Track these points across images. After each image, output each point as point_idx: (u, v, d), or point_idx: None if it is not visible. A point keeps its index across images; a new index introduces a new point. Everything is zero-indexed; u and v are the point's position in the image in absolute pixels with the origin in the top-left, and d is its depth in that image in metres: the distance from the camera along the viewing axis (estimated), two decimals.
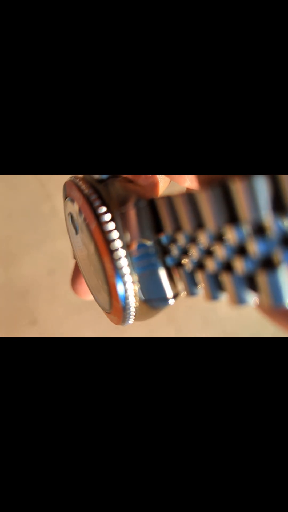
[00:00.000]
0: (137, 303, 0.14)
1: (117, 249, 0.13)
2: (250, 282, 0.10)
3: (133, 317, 0.15)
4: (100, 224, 0.13)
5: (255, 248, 0.10)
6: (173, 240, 0.13)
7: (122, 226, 0.13)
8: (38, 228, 0.80)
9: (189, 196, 0.11)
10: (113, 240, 0.13)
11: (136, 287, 0.14)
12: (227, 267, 0.10)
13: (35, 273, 0.79)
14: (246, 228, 0.10)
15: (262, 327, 0.67)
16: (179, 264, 0.13)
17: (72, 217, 0.18)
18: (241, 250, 0.10)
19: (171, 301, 0.14)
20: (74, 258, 0.22)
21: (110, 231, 0.13)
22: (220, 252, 0.10)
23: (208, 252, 0.11)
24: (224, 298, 0.11)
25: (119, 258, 0.13)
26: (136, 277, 0.14)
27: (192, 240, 0.12)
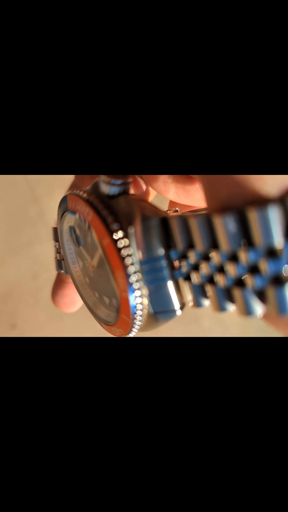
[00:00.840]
0: (145, 316, 0.15)
1: (131, 264, 0.14)
2: (260, 296, 0.11)
3: (138, 330, 0.16)
4: (114, 240, 0.14)
5: (266, 267, 0.11)
6: (183, 256, 0.13)
7: (135, 242, 0.14)
8: (24, 231, 0.80)
9: (205, 218, 0.12)
10: (128, 256, 0.14)
11: (146, 301, 0.14)
12: (239, 282, 0.12)
13: (18, 276, 0.78)
14: (259, 251, 0.11)
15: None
16: (187, 278, 0.14)
17: (74, 231, 0.18)
18: (253, 269, 0.11)
19: (178, 312, 0.14)
20: (58, 270, 0.22)
21: (124, 247, 0.14)
22: (233, 270, 0.11)
23: (220, 269, 0.12)
24: (232, 309, 0.12)
25: (133, 273, 0.14)
26: (146, 291, 0.14)
27: (204, 257, 0.12)
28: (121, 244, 0.14)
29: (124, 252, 0.14)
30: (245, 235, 0.11)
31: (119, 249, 0.14)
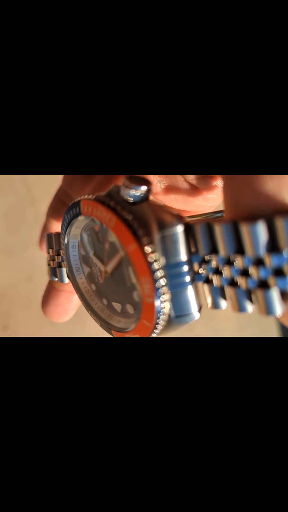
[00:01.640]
0: (165, 321, 0.15)
1: (157, 270, 0.14)
2: (283, 296, 0.12)
3: (156, 335, 0.16)
4: (141, 246, 0.14)
5: None
6: (204, 261, 0.14)
7: (161, 248, 0.14)
8: (20, 232, 0.79)
9: (232, 226, 0.12)
10: (155, 261, 0.14)
11: (169, 305, 0.15)
12: (262, 284, 0.12)
13: (13, 278, 0.78)
14: (285, 256, 0.12)
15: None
16: (206, 281, 0.14)
17: (90, 236, 0.18)
18: (277, 272, 0.12)
19: (197, 315, 0.15)
20: (52, 277, 0.21)
21: (151, 252, 0.14)
22: (256, 273, 0.12)
23: (243, 273, 0.13)
24: (251, 309, 0.13)
25: (159, 278, 0.14)
26: (169, 296, 0.15)
27: (226, 262, 0.13)
28: (148, 250, 0.14)
29: (151, 258, 0.14)
30: (272, 242, 0.12)
31: (147, 255, 0.14)
